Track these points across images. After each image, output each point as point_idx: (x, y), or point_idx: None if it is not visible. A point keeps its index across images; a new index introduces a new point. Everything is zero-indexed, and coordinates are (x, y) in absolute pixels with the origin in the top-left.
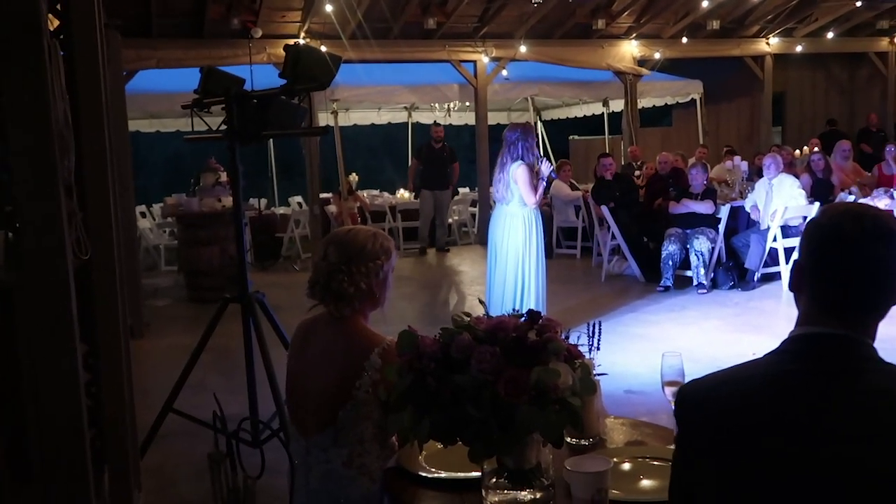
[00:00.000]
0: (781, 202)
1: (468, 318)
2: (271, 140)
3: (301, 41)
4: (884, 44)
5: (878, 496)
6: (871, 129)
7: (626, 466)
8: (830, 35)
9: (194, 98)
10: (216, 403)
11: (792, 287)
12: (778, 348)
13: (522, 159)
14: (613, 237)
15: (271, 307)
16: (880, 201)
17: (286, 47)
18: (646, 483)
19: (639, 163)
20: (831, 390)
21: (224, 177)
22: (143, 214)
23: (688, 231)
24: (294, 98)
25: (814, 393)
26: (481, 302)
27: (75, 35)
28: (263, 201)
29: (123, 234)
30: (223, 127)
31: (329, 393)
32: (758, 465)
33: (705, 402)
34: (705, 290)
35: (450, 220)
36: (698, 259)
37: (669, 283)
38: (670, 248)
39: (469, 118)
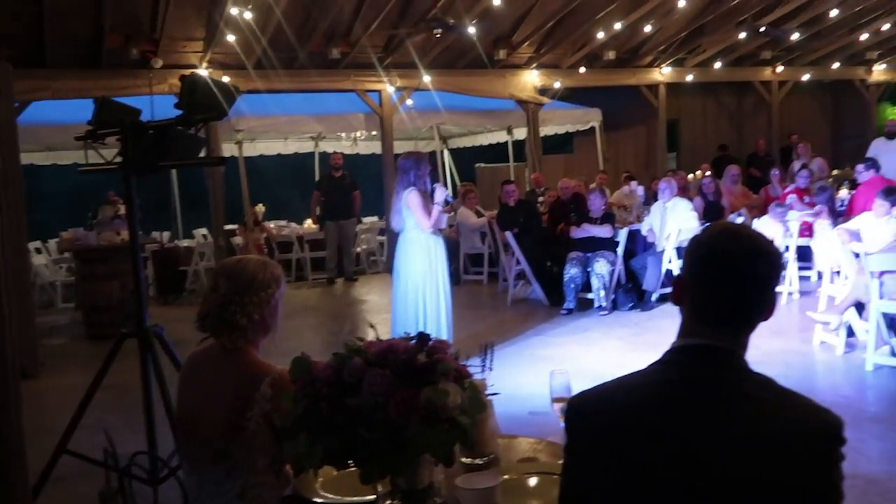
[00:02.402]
0: (676, 225)
1: (360, 343)
2: (174, 171)
3: (202, 71)
4: (767, 73)
5: (754, 500)
6: (759, 154)
7: (517, 482)
8: (718, 65)
9: (88, 129)
10: (107, 440)
11: (674, 300)
12: (660, 359)
13: (414, 186)
14: (518, 262)
15: (171, 342)
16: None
17: (182, 77)
18: (536, 497)
19: (542, 189)
20: (708, 399)
21: (123, 209)
22: (38, 250)
23: (588, 254)
24: (191, 128)
25: (692, 401)
26: (372, 326)
27: None
28: (166, 234)
29: (13, 271)
30: (119, 159)
31: (220, 426)
32: (643, 471)
33: (592, 412)
34: (606, 312)
35: (357, 249)
36: (599, 281)
37: (572, 306)
38: (572, 272)
39: (376, 147)
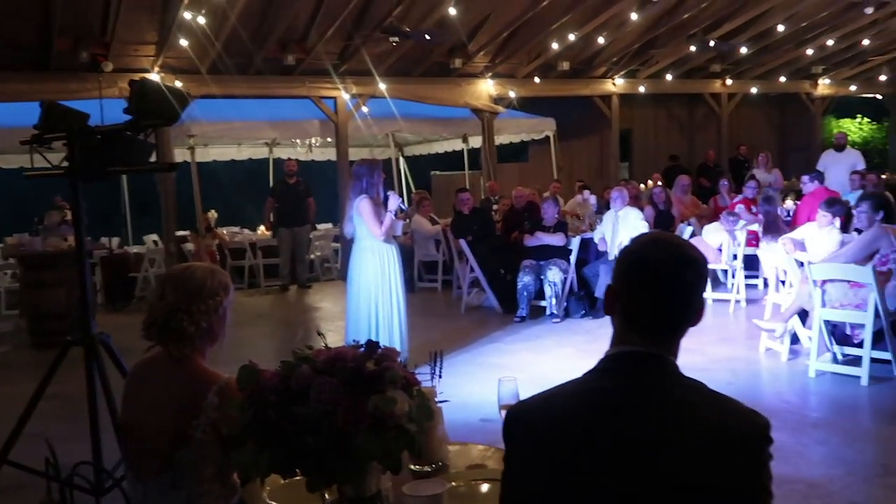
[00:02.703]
0: (627, 233)
1: (309, 351)
2: (124, 177)
3: (154, 76)
4: (717, 85)
5: (684, 502)
6: (708, 164)
7: (465, 489)
8: (669, 77)
9: (34, 133)
10: (49, 449)
11: (606, 310)
12: (595, 367)
13: (366, 193)
14: (472, 270)
15: (118, 350)
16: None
17: (131, 82)
18: (483, 503)
19: (497, 197)
20: (641, 404)
21: (70, 215)
22: None
23: (541, 263)
24: (140, 134)
25: (624, 407)
26: (320, 334)
27: None
28: (116, 240)
29: None
30: (66, 163)
31: (165, 435)
32: (578, 478)
33: (529, 421)
34: (559, 320)
35: (311, 256)
36: (552, 289)
37: (525, 314)
38: (525, 280)
39: (331, 154)
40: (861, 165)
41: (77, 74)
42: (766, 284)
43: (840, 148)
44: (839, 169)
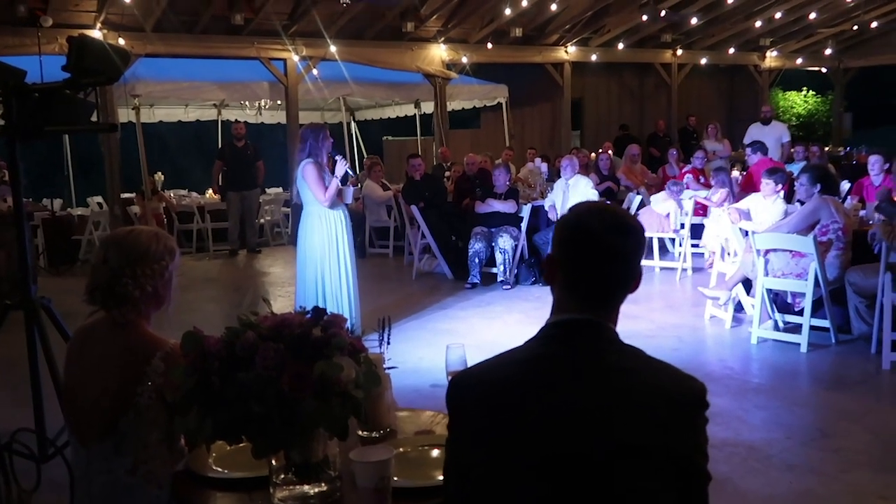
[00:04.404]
0: (576, 201)
1: (254, 317)
2: (67, 137)
3: (96, 32)
4: (668, 56)
5: (622, 464)
6: (658, 134)
7: (413, 454)
8: (621, 46)
9: None
10: None
11: (546, 279)
12: (537, 334)
13: (311, 156)
14: (423, 236)
15: (60, 314)
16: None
17: (69, 38)
18: (430, 468)
19: (449, 164)
20: (581, 370)
21: (8, 175)
22: None
23: (493, 229)
24: (80, 92)
25: (566, 373)
26: (265, 300)
27: None
28: (58, 202)
29: None
30: (1, 122)
31: (108, 400)
32: (519, 444)
33: (473, 387)
34: (509, 286)
35: (261, 221)
36: (502, 256)
37: (477, 280)
38: (476, 247)
39: (281, 117)
40: (786, 138)
41: (14, 29)
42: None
43: (766, 121)
44: (766, 141)
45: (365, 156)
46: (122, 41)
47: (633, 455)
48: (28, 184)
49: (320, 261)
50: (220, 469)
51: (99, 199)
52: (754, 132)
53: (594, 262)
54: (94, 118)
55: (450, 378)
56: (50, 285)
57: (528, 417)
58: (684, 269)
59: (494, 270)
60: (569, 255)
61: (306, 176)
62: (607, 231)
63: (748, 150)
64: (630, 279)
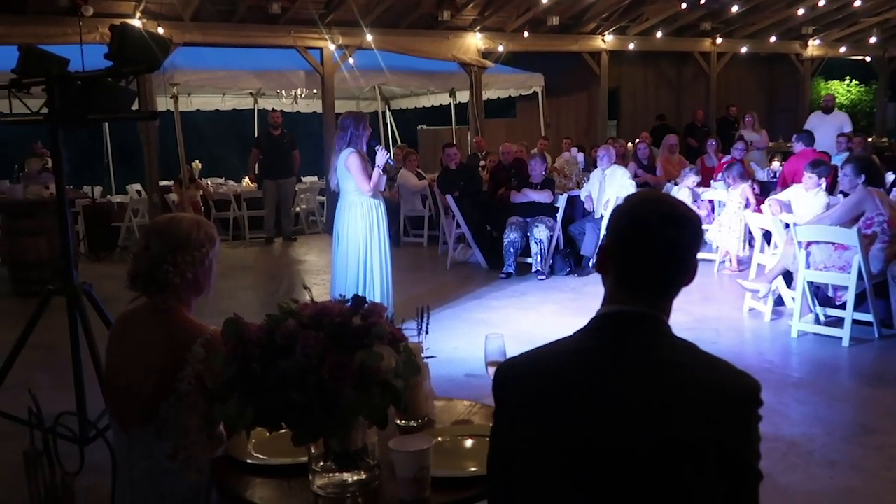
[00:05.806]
0: (613, 192)
1: (294, 305)
2: (107, 125)
3: (136, 21)
4: (707, 44)
5: (677, 461)
6: (696, 124)
7: (451, 444)
8: (660, 34)
9: (12, 78)
10: (31, 399)
11: (598, 269)
12: (586, 326)
13: (352, 146)
14: (458, 226)
15: (101, 299)
16: (688, 179)
17: (112, 27)
18: (469, 458)
19: (484, 153)
20: (632, 363)
21: (51, 162)
22: None
23: (528, 219)
24: (121, 81)
25: (616, 366)
26: (306, 287)
27: None
28: (98, 189)
29: None
30: (45, 110)
31: (150, 386)
32: (566, 436)
33: (520, 378)
34: (544, 277)
35: (297, 209)
36: (538, 246)
37: (511, 270)
38: (511, 236)
39: (317, 106)
40: (848, 128)
41: (56, 18)
42: (751, 245)
43: (828, 110)
44: (826, 131)
45: (399, 144)
46: (160, 30)
47: (682, 450)
48: (70, 171)
49: (362, 250)
50: (259, 455)
51: (138, 186)
52: (815, 121)
53: (649, 255)
54: (134, 106)
55: (489, 368)
56: (90, 271)
57: (575, 410)
58: (723, 262)
59: (529, 260)
60: (623, 246)
61: (350, 165)
62: (663, 223)
63: (794, 138)
64: (685, 272)
